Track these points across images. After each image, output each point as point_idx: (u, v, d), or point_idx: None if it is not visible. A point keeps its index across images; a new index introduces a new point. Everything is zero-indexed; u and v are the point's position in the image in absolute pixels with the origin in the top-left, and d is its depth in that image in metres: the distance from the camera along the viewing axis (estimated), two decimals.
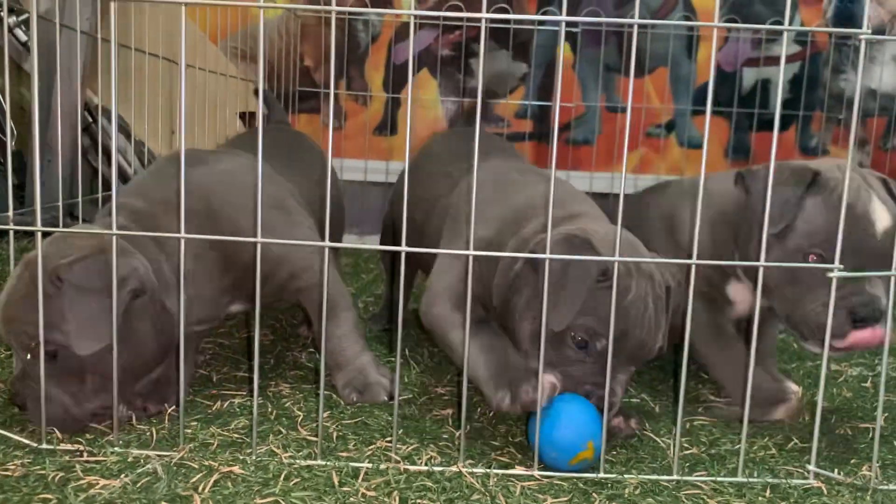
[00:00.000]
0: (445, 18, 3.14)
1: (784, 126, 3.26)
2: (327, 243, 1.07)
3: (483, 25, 1.08)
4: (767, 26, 1.13)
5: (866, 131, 3.26)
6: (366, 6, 3.15)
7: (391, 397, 1.31)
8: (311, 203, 1.46)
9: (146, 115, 2.37)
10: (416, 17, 3.14)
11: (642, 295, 1.11)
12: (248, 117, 3.07)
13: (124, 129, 2.90)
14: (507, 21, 3.12)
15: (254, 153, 1.45)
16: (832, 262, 1.07)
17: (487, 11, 3.13)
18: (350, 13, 3.13)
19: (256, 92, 2.84)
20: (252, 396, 1.24)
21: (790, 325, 1.26)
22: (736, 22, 3.16)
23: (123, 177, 2.88)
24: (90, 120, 2.89)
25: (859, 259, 1.13)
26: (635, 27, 1.05)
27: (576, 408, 1.08)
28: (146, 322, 1.16)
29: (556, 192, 1.21)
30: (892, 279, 1.09)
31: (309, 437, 1.16)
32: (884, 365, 1.13)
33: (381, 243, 1.92)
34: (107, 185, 2.94)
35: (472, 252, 1.09)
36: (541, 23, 3.17)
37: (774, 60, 3.22)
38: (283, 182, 1.41)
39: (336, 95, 3.24)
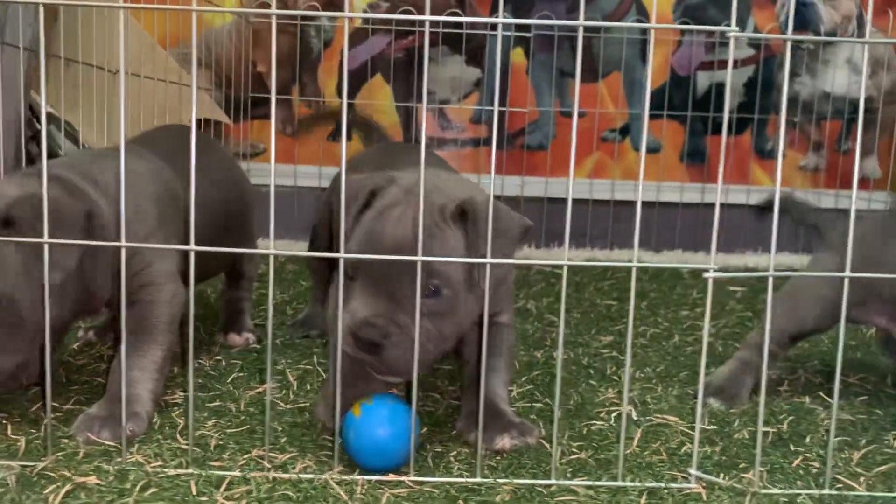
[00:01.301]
0: (389, 22, 3.13)
1: (739, 130, 3.25)
2: (192, 247, 1.05)
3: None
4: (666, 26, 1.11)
5: (821, 134, 3.26)
6: (318, 10, 3.14)
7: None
8: (205, 205, 1.45)
9: (94, 121, 2.34)
10: (351, 19, 3.13)
11: (397, 215, 1.12)
12: (202, 124, 3.05)
13: (72, 136, 2.89)
14: (453, 24, 3.11)
15: (155, 151, 1.44)
16: None
17: (441, 15, 3.14)
18: (289, 17, 3.11)
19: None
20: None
21: None
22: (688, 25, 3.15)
23: None
24: (39, 128, 2.88)
25: None
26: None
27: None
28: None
29: (447, 182, 1.20)
30: (770, 280, 1.07)
31: (185, 447, 1.14)
32: (764, 363, 1.11)
33: (310, 250, 1.90)
34: None
35: (342, 255, 1.08)
36: (493, 27, 3.16)
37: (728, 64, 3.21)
38: (171, 182, 1.39)
39: (289, 101, 3.22)
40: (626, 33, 3.15)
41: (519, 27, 3.14)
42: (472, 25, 3.13)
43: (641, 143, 1.08)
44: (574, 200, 3.63)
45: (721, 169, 1.12)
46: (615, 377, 1.55)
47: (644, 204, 3.21)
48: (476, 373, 1.22)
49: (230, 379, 1.45)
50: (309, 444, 1.18)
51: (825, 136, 3.25)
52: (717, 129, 3.23)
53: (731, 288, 2.40)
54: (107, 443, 1.13)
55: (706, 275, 1.05)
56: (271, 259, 1.06)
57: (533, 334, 1.87)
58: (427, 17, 1.01)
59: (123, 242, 1.05)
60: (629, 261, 1.10)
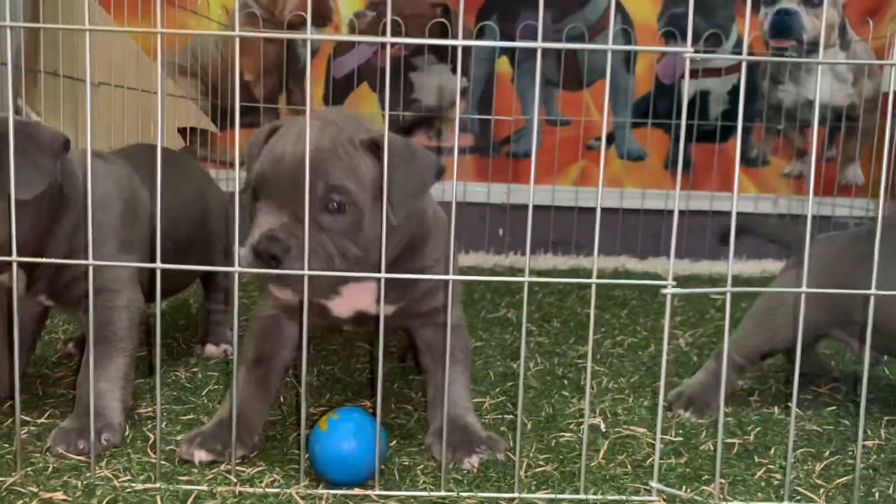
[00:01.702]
0: (375, 32, 3.15)
1: (724, 137, 3.28)
2: (159, 265, 1.07)
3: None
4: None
5: (805, 142, 3.28)
6: (304, 23, 3.16)
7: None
8: (171, 218, 1.46)
9: (78, 131, 2.35)
10: (337, 29, 3.15)
11: (299, 133, 1.11)
12: (188, 132, 3.07)
13: None
14: (438, 34, 3.13)
15: (127, 161, 1.45)
16: None
17: (426, 26, 3.16)
18: (263, 36, 3.13)
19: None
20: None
21: None
22: (674, 35, 3.18)
23: None
24: None
25: None
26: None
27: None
28: None
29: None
30: (728, 295, 1.09)
31: (155, 461, 1.15)
32: (723, 375, 1.12)
33: None
34: None
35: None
36: (479, 38, 3.18)
37: (713, 72, 3.24)
38: (138, 190, 1.41)
39: (276, 110, 3.24)
40: (614, 42, 3.18)
41: (504, 37, 3.16)
42: (457, 36, 3.15)
43: (601, 154, 1.10)
44: (560, 208, 3.64)
45: (679, 179, 1.14)
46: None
47: (629, 211, 3.26)
48: (437, 384, 1.26)
49: (205, 391, 1.47)
50: (277, 457, 1.19)
51: (809, 143, 3.27)
52: (701, 137, 3.25)
53: (713, 296, 2.42)
54: (76, 457, 1.15)
55: (664, 291, 1.06)
56: (235, 277, 1.08)
57: (511, 344, 1.88)
58: (388, 38, 1.02)
59: (91, 261, 1.07)
60: (615, 268, 1.11)
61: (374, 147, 1.14)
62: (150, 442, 1.22)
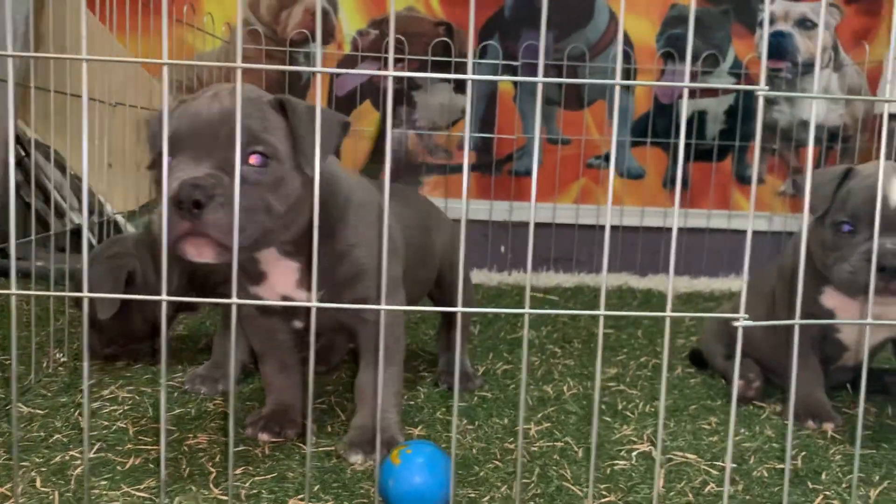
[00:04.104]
0: (378, 48, 3.15)
1: (720, 156, 3.33)
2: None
3: (390, 79, 1.05)
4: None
5: (800, 160, 3.35)
6: (307, 40, 3.15)
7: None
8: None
9: (82, 149, 2.31)
10: (340, 47, 3.15)
11: (211, 95, 1.15)
12: None
13: (59, 164, 2.85)
14: (441, 52, 3.15)
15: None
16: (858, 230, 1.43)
17: (429, 44, 3.17)
18: (275, 48, 3.12)
19: None
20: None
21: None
22: (672, 56, 3.23)
23: (59, 212, 2.82)
24: (23, 154, 2.83)
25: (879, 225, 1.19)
26: (539, 85, 1.05)
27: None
28: None
29: None
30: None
31: (220, 496, 1.13)
32: (791, 401, 1.14)
33: None
34: (40, 220, 2.88)
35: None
36: (480, 55, 3.19)
37: (710, 93, 3.30)
38: None
39: None
40: (611, 62, 3.22)
41: (504, 56, 3.18)
42: (460, 54, 3.17)
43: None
44: (560, 225, 3.66)
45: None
46: (628, 412, 1.58)
47: (628, 229, 3.30)
48: (364, 384, 1.36)
49: None
50: (343, 492, 1.18)
51: (804, 162, 3.34)
52: (699, 156, 3.30)
53: None
54: (140, 494, 1.12)
55: (736, 324, 1.07)
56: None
57: (539, 367, 1.89)
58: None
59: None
60: (619, 285, 1.11)
61: (280, 106, 1.16)
62: (212, 477, 1.20)
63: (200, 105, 1.14)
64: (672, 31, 3.23)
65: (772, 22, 3.26)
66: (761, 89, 1.07)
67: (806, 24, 3.26)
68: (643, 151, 3.29)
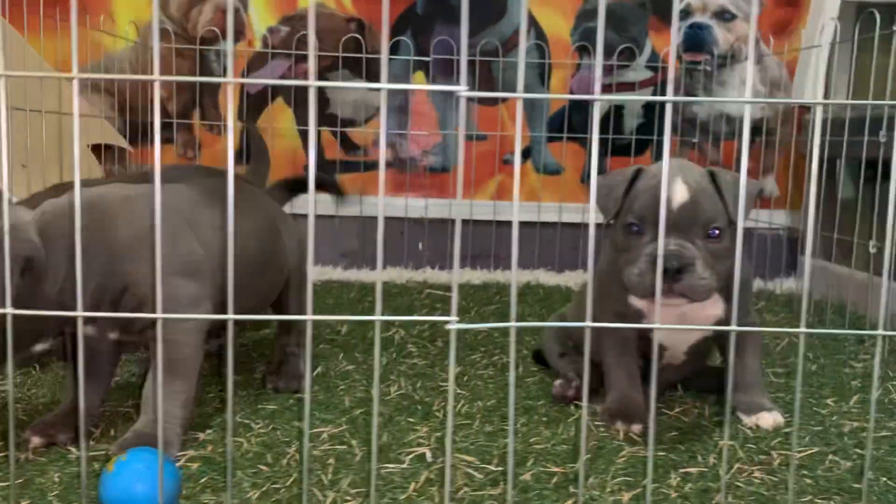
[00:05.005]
0: (289, 45, 3.13)
1: (639, 150, 3.29)
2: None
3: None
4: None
5: (719, 154, 3.30)
6: (218, 38, 3.14)
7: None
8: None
9: None
10: (251, 44, 3.12)
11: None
12: (102, 149, 3.03)
13: None
14: (353, 48, 3.12)
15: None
16: (644, 231, 1.42)
17: (340, 40, 3.16)
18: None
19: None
20: None
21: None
22: (587, 49, 3.19)
23: None
24: None
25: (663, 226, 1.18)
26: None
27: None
28: None
29: None
30: (512, 331, 1.08)
31: None
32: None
33: None
34: None
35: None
36: (391, 53, 3.17)
37: (627, 87, 3.26)
38: None
39: (190, 125, 3.22)
40: (528, 57, 3.19)
41: (418, 51, 3.16)
42: (372, 50, 3.15)
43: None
44: (478, 221, 3.62)
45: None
46: (438, 413, 1.56)
47: (546, 224, 3.26)
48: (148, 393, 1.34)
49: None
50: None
51: (725, 155, 3.30)
52: (617, 151, 3.27)
53: None
54: None
55: (448, 326, 1.05)
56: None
57: (385, 367, 1.87)
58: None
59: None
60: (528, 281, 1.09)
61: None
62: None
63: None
64: (587, 25, 3.19)
65: (690, 13, 3.21)
66: (462, 89, 1.04)
67: (724, 15, 3.22)
68: (560, 147, 3.26)
